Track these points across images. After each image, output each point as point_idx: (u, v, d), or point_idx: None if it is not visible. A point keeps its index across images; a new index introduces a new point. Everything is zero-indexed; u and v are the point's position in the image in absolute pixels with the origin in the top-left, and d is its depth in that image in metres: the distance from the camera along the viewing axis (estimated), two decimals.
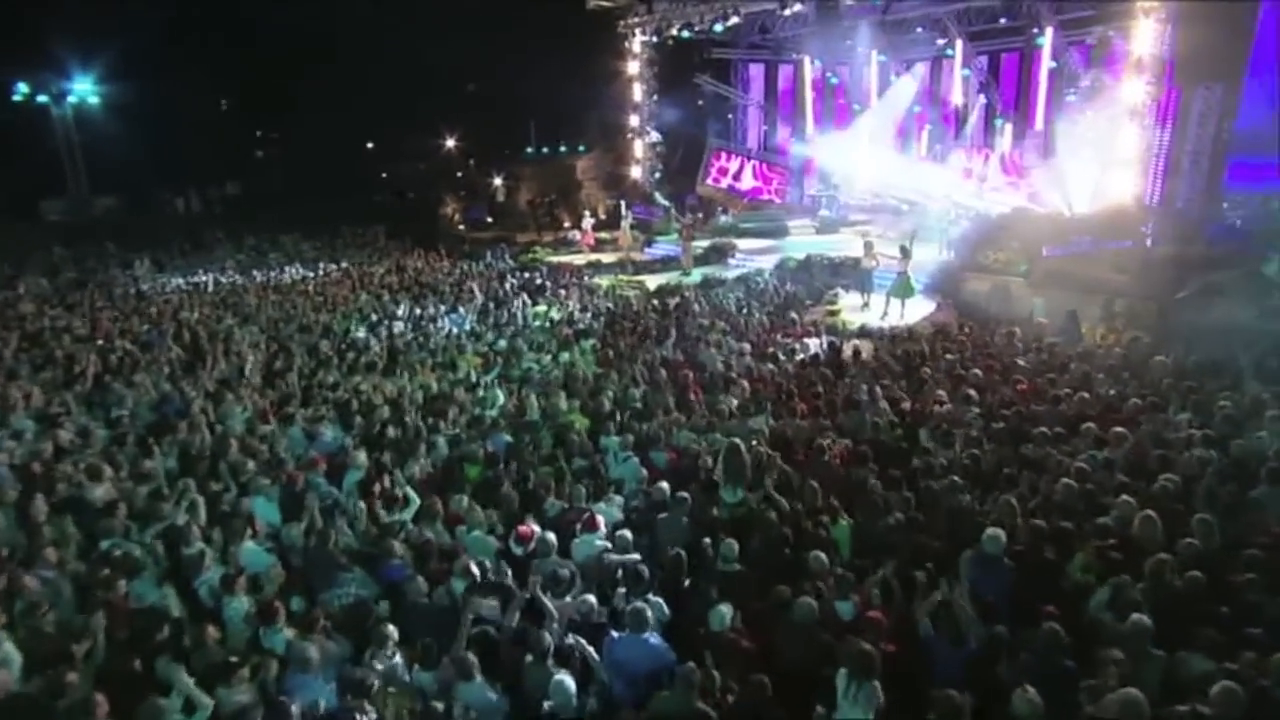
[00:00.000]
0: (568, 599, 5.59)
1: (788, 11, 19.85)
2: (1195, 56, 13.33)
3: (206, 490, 7.27)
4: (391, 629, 5.08)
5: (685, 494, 6.92)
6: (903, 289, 14.61)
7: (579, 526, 6.48)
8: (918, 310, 15.10)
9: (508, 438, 9.00)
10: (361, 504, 7.11)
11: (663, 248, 23.26)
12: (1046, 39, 19.11)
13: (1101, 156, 14.97)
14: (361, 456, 7.97)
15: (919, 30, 21.62)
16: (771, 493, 6.93)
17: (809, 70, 25.28)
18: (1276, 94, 12.16)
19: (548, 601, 5.40)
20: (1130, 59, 13.86)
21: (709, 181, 27.04)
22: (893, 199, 24.08)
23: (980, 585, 5.62)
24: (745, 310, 15.07)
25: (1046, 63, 19.52)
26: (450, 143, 36.01)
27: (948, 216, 18.48)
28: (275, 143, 48.64)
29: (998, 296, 15.57)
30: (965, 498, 6.97)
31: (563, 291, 17.60)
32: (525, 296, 17.18)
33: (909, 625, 5.24)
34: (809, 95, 25.64)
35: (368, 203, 32.57)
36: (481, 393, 10.62)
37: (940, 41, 21.37)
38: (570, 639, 5.07)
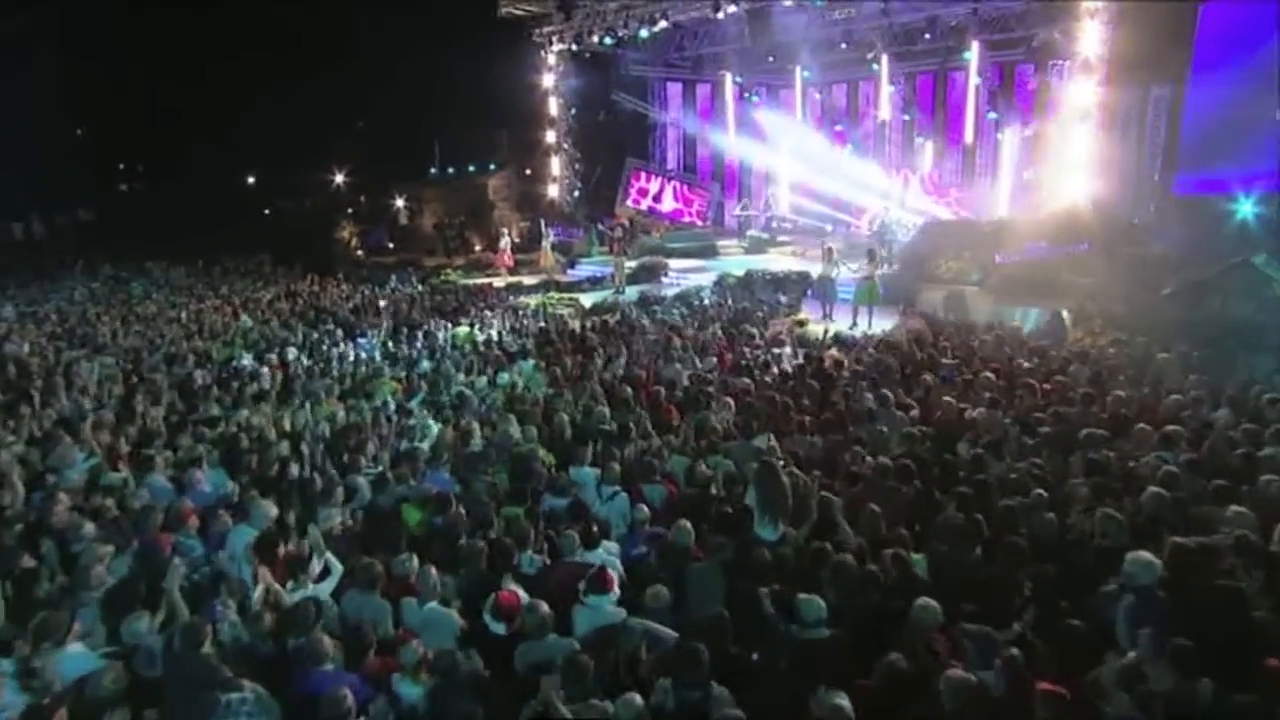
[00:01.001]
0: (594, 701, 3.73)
1: (720, 15, 18.98)
2: (1137, 59, 13.21)
3: (13, 571, 4.93)
4: None
5: (722, 536, 5.23)
6: (868, 294, 13.60)
7: (584, 587, 4.62)
8: (880, 319, 14.08)
9: (449, 474, 7.06)
10: (256, 575, 4.98)
11: (587, 269, 21.68)
12: (973, 54, 19.07)
13: (1052, 162, 14.68)
14: (260, 507, 5.76)
15: (843, 47, 21.31)
16: (842, 523, 5.32)
17: (729, 88, 24.63)
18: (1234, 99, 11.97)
19: (565, 711, 3.52)
20: (1077, 60, 13.65)
21: (629, 203, 25.81)
22: (812, 221, 23.73)
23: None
24: (698, 325, 13.60)
25: (973, 79, 19.48)
26: (340, 178, 33.12)
27: (888, 229, 17.86)
28: (142, 175, 44.29)
29: (953, 306, 14.87)
30: (1049, 515, 5.61)
31: (487, 312, 15.62)
32: (441, 319, 15.11)
33: (1085, 699, 3.71)
34: (730, 114, 24.95)
35: (251, 230, 29.28)
36: (409, 421, 8.56)
37: (868, 56, 21.09)
38: None
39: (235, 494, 6.39)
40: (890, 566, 4.89)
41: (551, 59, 23.03)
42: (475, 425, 8.20)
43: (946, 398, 8.61)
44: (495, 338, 13.32)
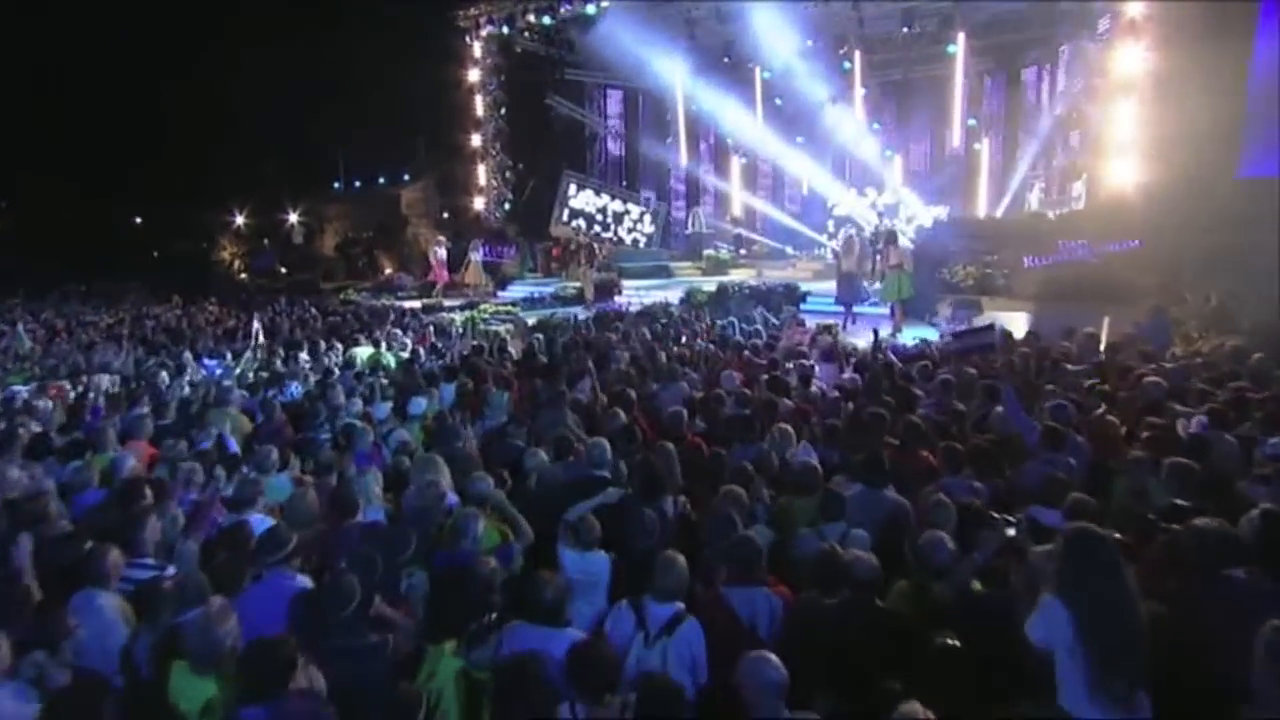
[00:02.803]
0: None
1: None
2: (1192, 16, 11.15)
3: None
4: None
5: None
6: (898, 288, 10.83)
7: None
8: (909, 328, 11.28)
9: (304, 578, 3.49)
10: None
11: (520, 290, 18.33)
12: (959, 46, 17.04)
13: (1089, 146, 12.42)
14: None
15: (809, 44, 19.00)
16: None
17: (680, 92, 21.93)
18: None
19: None
20: (1122, 20, 11.49)
21: (565, 220, 22.58)
22: (769, 241, 21.33)
23: None
24: (683, 341, 10.39)
25: (959, 76, 17.43)
26: (240, 219, 28.53)
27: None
28: (5, 211, 38.66)
29: (970, 316, 12.37)
30: None
31: (397, 330, 11.91)
32: (336, 341, 11.30)
33: None
34: (681, 122, 22.26)
35: (126, 264, 24.46)
36: (252, 474, 4.88)
37: (839, 52, 18.83)
38: None
39: None
40: None
41: (477, 49, 19.73)
42: (369, 479, 4.64)
43: (1107, 416, 5.65)
44: (409, 358, 9.72)
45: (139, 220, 36.70)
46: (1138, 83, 11.62)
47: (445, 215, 22.98)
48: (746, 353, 8.93)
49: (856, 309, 12.32)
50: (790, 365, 7.79)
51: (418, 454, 5.20)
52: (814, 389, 7.27)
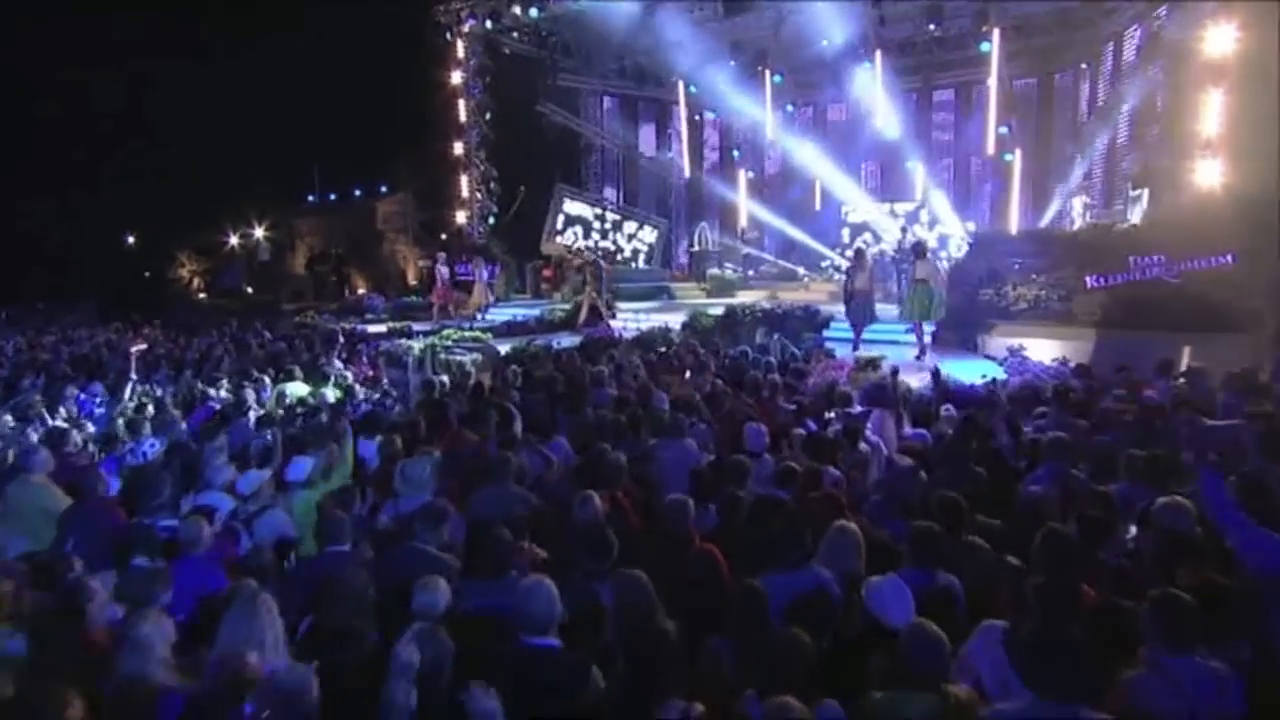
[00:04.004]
0: None
1: None
2: None
3: None
4: None
5: None
6: (923, 306, 9.03)
7: None
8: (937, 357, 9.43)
9: None
10: None
11: (504, 312, 16.53)
12: (994, 44, 15.31)
13: (1165, 144, 10.61)
14: None
15: (825, 43, 17.29)
16: None
17: (682, 99, 20.24)
18: None
19: None
20: None
21: (558, 238, 20.77)
22: (779, 261, 19.60)
23: None
24: (687, 375, 8.45)
25: (993, 77, 15.70)
26: (234, 240, 26.68)
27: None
28: None
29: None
30: None
31: (338, 362, 9.94)
32: (265, 375, 9.26)
33: None
34: (684, 131, 20.55)
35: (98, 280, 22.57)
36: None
37: (859, 51, 17.10)
38: None
39: None
40: None
41: (460, 48, 18.01)
42: (152, 627, 2.68)
43: None
44: (341, 398, 7.79)
45: (131, 240, 34.92)
46: (1229, 69, 9.80)
47: (443, 236, 21.28)
48: (766, 393, 6.99)
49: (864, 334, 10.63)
50: (831, 414, 5.86)
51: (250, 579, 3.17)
52: (864, 449, 5.33)
